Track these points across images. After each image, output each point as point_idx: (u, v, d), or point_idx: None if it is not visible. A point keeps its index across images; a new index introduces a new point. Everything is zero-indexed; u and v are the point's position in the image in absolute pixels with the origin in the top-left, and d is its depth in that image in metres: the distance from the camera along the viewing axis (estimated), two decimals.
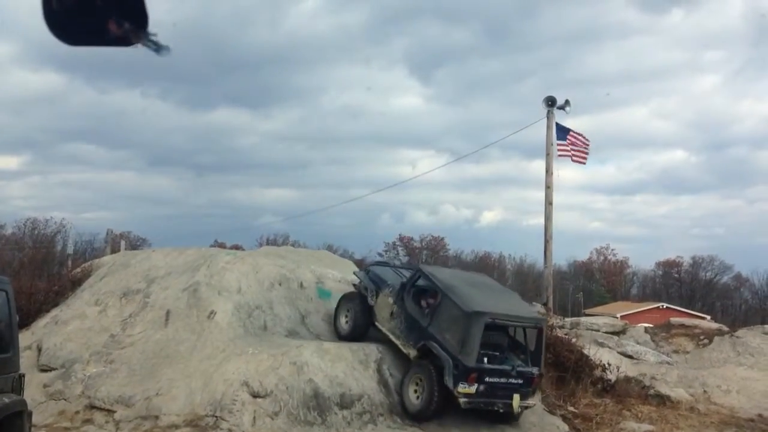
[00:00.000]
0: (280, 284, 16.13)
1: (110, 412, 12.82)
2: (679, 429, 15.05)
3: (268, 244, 57.04)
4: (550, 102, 22.56)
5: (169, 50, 1.70)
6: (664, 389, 17.49)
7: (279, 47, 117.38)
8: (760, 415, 16.65)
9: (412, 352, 13.57)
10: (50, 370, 14.23)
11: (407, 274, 15.23)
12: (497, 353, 13.37)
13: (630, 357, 19.68)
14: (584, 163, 22.87)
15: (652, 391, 17.35)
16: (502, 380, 12.99)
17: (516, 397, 12.95)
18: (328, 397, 12.99)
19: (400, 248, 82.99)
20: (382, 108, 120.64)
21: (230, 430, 12.03)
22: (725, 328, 24.06)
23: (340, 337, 15.02)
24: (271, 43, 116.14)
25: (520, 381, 13.17)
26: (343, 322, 15.13)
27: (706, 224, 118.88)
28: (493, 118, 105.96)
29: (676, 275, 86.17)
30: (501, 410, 13.11)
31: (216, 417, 12.31)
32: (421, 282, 14.13)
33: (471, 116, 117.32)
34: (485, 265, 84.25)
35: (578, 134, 22.59)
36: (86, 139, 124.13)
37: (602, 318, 27.55)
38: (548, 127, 22.48)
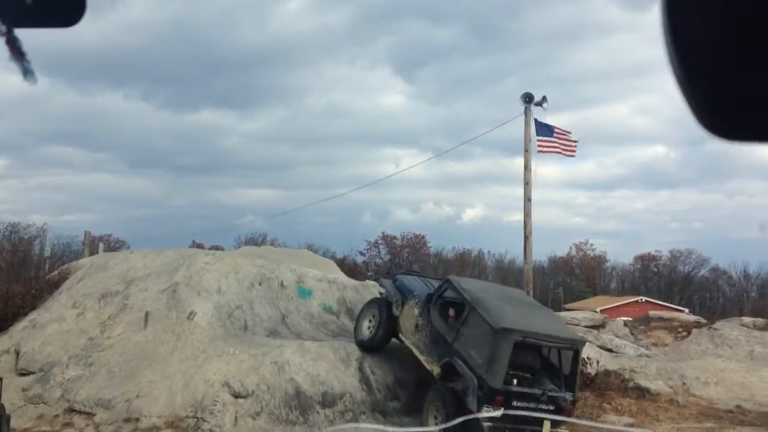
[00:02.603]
0: (260, 284, 16.09)
1: (90, 415, 12.74)
2: (658, 421, 15.17)
3: (247, 244, 56.81)
4: (528, 99, 22.64)
5: (36, 80, 1.59)
6: (643, 382, 17.62)
7: (263, 48, 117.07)
8: (738, 407, 16.82)
9: (436, 369, 12.65)
10: (29, 374, 14.11)
11: (436, 284, 14.38)
12: (528, 375, 12.34)
13: (610, 350, 19.80)
14: (574, 156, 22.91)
15: (631, 384, 17.48)
16: (531, 405, 11.74)
17: (547, 424, 11.50)
18: (310, 396, 12.99)
19: (381, 247, 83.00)
20: (366, 107, 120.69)
21: (212, 431, 11.99)
22: (703, 321, 24.29)
23: (360, 343, 14.30)
24: (256, 43, 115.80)
25: (551, 407, 11.93)
26: (365, 329, 14.34)
27: (684, 218, 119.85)
28: (476, 116, 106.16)
29: (654, 269, 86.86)
30: None
31: (197, 418, 12.27)
32: (448, 293, 13.21)
33: (455, 115, 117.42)
34: (465, 262, 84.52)
35: (564, 131, 22.70)
36: (66, 142, 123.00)
37: (582, 312, 27.67)
38: (526, 124, 22.56)
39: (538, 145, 22.37)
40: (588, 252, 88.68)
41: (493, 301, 12.82)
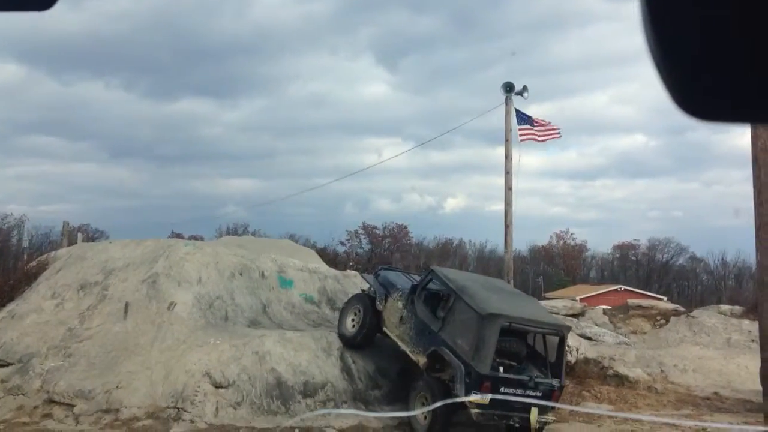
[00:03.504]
0: (240, 274, 16.05)
1: (70, 406, 12.67)
2: (637, 408, 15.32)
3: (228, 234, 56.63)
4: (508, 88, 22.68)
5: None
6: (622, 369, 17.78)
7: (245, 37, 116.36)
8: (715, 393, 17.02)
9: (422, 360, 12.56)
10: (7, 365, 14.00)
11: (418, 279, 14.23)
12: (514, 363, 12.34)
13: (589, 339, 19.96)
14: (559, 137, 22.93)
15: (610, 372, 17.63)
16: (519, 392, 11.70)
17: (534, 411, 11.62)
18: (291, 385, 12.99)
19: (362, 236, 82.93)
20: (348, 97, 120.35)
21: (192, 421, 11.97)
22: (681, 309, 24.53)
23: (345, 339, 14.11)
24: (237, 32, 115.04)
25: (539, 393, 11.95)
26: (350, 325, 14.15)
27: (663, 207, 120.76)
28: (458, 105, 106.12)
29: (633, 258, 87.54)
30: (517, 425, 11.93)
31: (178, 408, 12.24)
32: (433, 284, 13.19)
33: (437, 104, 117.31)
34: (446, 252, 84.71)
35: (544, 122, 22.76)
36: (46, 131, 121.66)
37: (562, 301, 27.89)
38: (507, 113, 22.61)
39: (520, 134, 22.44)
40: (568, 241, 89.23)
41: (478, 289, 12.85)
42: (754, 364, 15.05)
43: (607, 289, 58.91)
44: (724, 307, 23.88)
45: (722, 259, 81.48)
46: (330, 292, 17.39)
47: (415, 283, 13.77)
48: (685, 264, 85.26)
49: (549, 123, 22.85)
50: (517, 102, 22.73)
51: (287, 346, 13.57)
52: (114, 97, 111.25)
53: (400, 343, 13.21)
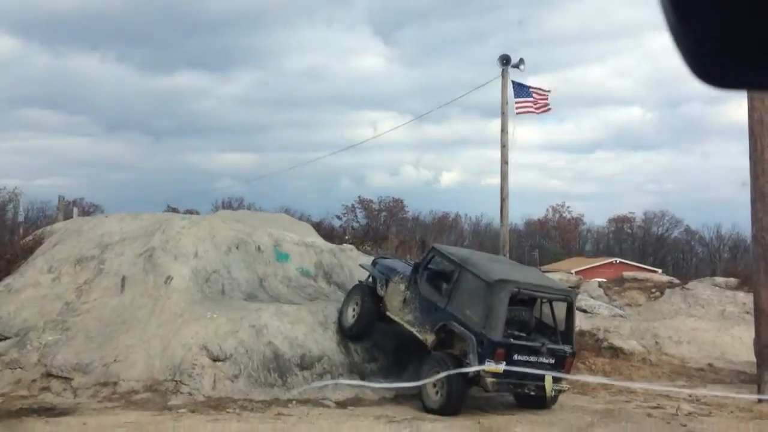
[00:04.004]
0: (237, 248, 16.06)
1: (67, 379, 12.72)
2: (632, 380, 15.45)
3: (223, 208, 56.47)
4: (505, 61, 22.56)
5: None
6: (617, 342, 17.92)
7: (240, 8, 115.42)
8: (709, 365, 17.17)
9: (430, 338, 12.30)
10: (4, 339, 14.02)
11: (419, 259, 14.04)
12: (523, 334, 12.20)
13: (584, 311, 20.08)
14: (549, 110, 22.71)
15: (605, 344, 17.77)
16: (532, 359, 11.61)
17: (548, 378, 11.55)
18: (288, 358, 13.06)
19: (359, 210, 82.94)
20: (344, 70, 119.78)
21: (190, 394, 12.04)
22: (676, 281, 24.68)
23: (344, 331, 13.90)
24: (232, 4, 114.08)
25: (552, 360, 11.85)
26: (350, 316, 13.93)
27: (659, 180, 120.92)
28: (456, 79, 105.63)
29: (628, 230, 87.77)
30: (533, 392, 11.76)
31: (176, 381, 12.30)
32: (435, 261, 13.05)
33: (434, 78, 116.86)
34: (443, 225, 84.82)
35: (537, 88, 22.62)
36: (41, 105, 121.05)
37: (557, 274, 27.99)
38: (503, 86, 22.52)
39: (516, 107, 22.35)
40: (564, 214, 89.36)
41: (482, 260, 12.85)
42: (748, 335, 15.18)
43: (602, 262, 59.11)
44: (719, 279, 24.01)
45: (717, 231, 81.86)
46: (326, 266, 17.42)
47: (417, 262, 13.61)
48: (680, 237, 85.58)
49: (547, 91, 22.69)
50: (514, 74, 22.64)
51: (284, 320, 13.62)
52: (109, 71, 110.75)
53: (405, 325, 12.96)
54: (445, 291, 12.34)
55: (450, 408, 11.57)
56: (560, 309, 12.48)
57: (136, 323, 13.63)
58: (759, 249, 13.02)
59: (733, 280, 23.24)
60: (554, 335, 12.30)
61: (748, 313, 17.60)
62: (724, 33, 1.05)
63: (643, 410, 12.11)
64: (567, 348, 12.12)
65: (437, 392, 11.77)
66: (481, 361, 11.21)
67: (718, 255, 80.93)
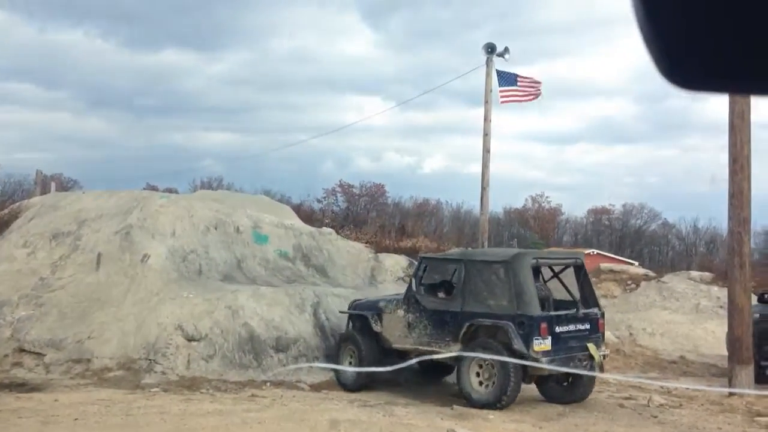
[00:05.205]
0: (215, 228, 15.98)
1: (40, 355, 12.64)
2: (605, 370, 15.58)
3: (203, 188, 56.08)
4: (490, 49, 22.50)
5: None
6: None
7: None
8: (682, 357, 17.34)
9: (456, 347, 11.07)
10: None
11: (390, 295, 13.30)
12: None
13: None
14: (540, 95, 22.56)
15: None
16: (571, 327, 11.05)
17: (591, 345, 11.03)
18: (264, 340, 13.04)
19: (339, 194, 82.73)
20: (332, 53, 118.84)
21: (164, 373, 12.00)
22: (652, 274, 24.84)
23: (349, 388, 12.25)
24: None
25: (588, 326, 11.33)
26: (350, 370, 12.29)
27: (639, 173, 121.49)
28: (443, 66, 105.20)
29: (606, 222, 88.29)
30: (585, 364, 11.01)
31: (149, 360, 12.26)
32: (430, 270, 12.22)
33: (421, 64, 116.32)
34: (423, 212, 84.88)
35: (528, 78, 22.56)
36: (20, 78, 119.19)
37: None
38: (487, 74, 22.46)
39: (501, 96, 22.32)
40: (543, 204, 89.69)
41: (479, 251, 12.73)
42: (721, 329, 15.32)
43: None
44: (694, 273, 24.19)
45: (694, 225, 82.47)
46: (305, 249, 17.39)
47: (409, 281, 12.77)
48: (658, 230, 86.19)
49: (536, 82, 22.64)
50: (499, 64, 22.59)
51: (260, 302, 13.59)
52: (93, 47, 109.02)
53: (420, 349, 11.50)
54: (455, 294, 11.66)
55: (504, 402, 10.63)
56: (571, 276, 12.01)
57: (112, 301, 13.55)
58: (735, 244, 13.13)
59: (707, 275, 23.43)
60: (577, 302, 11.62)
61: (721, 307, 17.77)
62: (690, 33, 1.04)
63: (615, 401, 12.21)
64: (596, 310, 11.66)
65: (483, 384, 10.91)
66: (528, 344, 10.51)
67: (694, 249, 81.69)
